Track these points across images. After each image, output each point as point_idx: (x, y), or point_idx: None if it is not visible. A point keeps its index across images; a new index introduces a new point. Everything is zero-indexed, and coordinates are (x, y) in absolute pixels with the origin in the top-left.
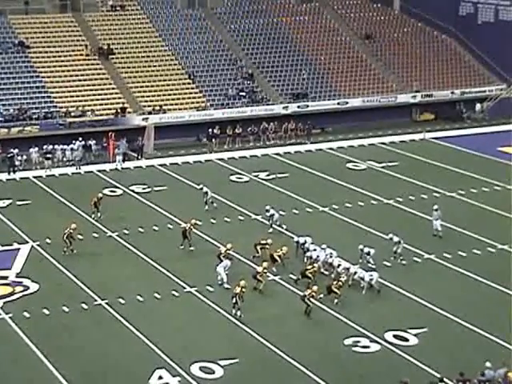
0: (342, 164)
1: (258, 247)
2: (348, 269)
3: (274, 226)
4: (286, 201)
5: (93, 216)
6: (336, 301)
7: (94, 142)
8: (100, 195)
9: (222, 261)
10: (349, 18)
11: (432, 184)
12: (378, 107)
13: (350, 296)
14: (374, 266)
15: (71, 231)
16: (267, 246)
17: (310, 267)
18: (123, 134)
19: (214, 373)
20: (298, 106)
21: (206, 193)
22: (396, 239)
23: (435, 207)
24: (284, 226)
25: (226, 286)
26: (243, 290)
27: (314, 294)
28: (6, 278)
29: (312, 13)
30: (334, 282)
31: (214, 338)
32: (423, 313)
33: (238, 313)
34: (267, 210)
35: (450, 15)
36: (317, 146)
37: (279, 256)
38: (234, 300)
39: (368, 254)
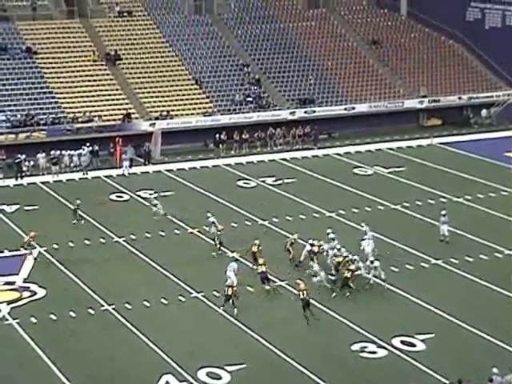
0: (349, 169)
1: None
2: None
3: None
4: (292, 206)
5: (74, 222)
6: (348, 294)
7: (99, 147)
8: (78, 202)
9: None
10: (356, 23)
11: (439, 189)
12: (385, 112)
13: (357, 301)
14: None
15: (31, 239)
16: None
17: (348, 275)
18: (130, 139)
19: (220, 378)
20: (305, 112)
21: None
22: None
23: (443, 212)
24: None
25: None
26: (235, 289)
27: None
28: (13, 283)
29: (319, 18)
30: (350, 275)
31: (221, 343)
32: (430, 318)
33: (235, 311)
34: (208, 217)
35: (458, 20)
36: (324, 151)
37: (254, 252)
38: (229, 302)
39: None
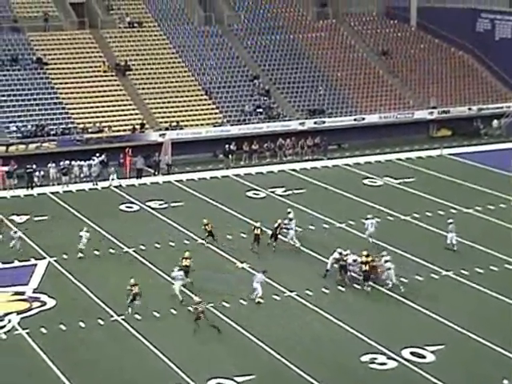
0: (359, 180)
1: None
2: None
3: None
4: (302, 217)
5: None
6: (369, 289)
7: (109, 158)
8: (0, 217)
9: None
10: (365, 34)
11: (449, 200)
12: (395, 123)
13: (367, 312)
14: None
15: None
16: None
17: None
18: (140, 149)
19: None
20: (315, 122)
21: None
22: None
23: (449, 220)
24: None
25: (258, 300)
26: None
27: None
28: (23, 293)
29: (329, 29)
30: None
31: (230, 353)
32: (440, 329)
33: (130, 310)
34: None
35: (467, 31)
36: (333, 161)
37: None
38: (129, 299)
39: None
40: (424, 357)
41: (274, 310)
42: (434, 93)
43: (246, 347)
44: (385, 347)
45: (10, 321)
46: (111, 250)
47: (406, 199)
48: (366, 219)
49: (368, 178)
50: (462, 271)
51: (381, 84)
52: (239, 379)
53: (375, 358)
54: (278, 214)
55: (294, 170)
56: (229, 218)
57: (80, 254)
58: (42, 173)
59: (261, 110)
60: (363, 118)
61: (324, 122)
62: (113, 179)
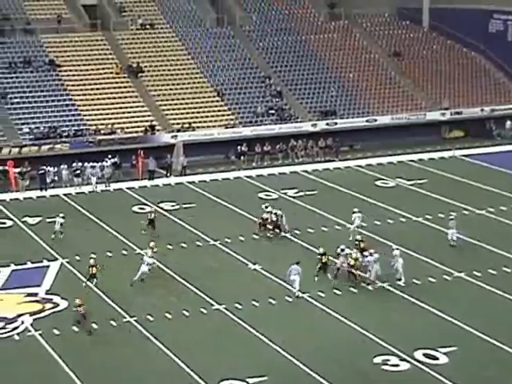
0: (371, 181)
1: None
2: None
3: None
4: (314, 218)
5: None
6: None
7: (121, 159)
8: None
9: None
10: (377, 35)
11: (461, 201)
12: (407, 124)
13: (380, 314)
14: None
15: None
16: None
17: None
18: (152, 151)
19: None
20: (327, 124)
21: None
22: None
23: (451, 217)
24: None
25: (298, 294)
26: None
27: None
28: (35, 294)
29: (341, 30)
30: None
31: (243, 355)
32: (453, 331)
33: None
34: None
35: (480, 32)
36: (345, 163)
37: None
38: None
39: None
40: (437, 358)
41: (287, 312)
42: (446, 94)
43: (259, 348)
44: (397, 349)
45: (22, 322)
46: (124, 252)
47: (418, 200)
48: (353, 213)
49: (380, 179)
50: (475, 272)
51: (393, 85)
52: (252, 380)
53: (388, 360)
54: (290, 215)
55: (306, 171)
56: (241, 220)
57: (52, 236)
58: (54, 174)
59: (273, 111)
60: (375, 120)
61: (336, 124)
62: (93, 183)
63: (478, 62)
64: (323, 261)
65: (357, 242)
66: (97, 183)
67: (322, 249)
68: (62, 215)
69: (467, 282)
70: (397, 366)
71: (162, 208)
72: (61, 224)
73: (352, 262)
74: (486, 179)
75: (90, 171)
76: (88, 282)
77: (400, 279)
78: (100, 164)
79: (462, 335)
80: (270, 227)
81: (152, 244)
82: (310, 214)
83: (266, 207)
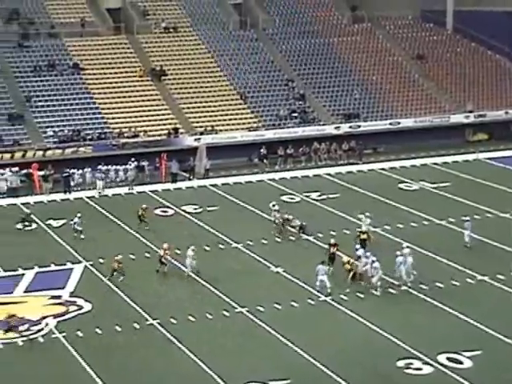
0: (394, 184)
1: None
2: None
3: None
4: (337, 221)
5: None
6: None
7: (148, 162)
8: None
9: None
10: (401, 37)
11: (485, 204)
12: (431, 127)
13: (403, 317)
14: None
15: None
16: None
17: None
18: (175, 154)
19: None
20: (350, 127)
21: None
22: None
23: (466, 218)
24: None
25: (329, 291)
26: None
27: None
28: (59, 297)
29: (364, 33)
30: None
31: (265, 358)
32: (477, 335)
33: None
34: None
35: (504, 35)
36: (369, 166)
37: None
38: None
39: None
40: (461, 362)
41: (309, 314)
42: (470, 97)
43: (281, 351)
44: (420, 352)
45: (47, 324)
46: (146, 254)
47: (442, 203)
48: (362, 215)
49: (403, 182)
50: (498, 276)
51: (416, 88)
52: (274, 383)
53: (411, 363)
54: (313, 218)
55: (329, 174)
56: (264, 222)
57: (74, 234)
58: (78, 177)
59: (296, 114)
60: (398, 122)
61: (359, 127)
62: (100, 187)
63: (502, 64)
64: (332, 251)
65: (358, 233)
66: (104, 188)
67: (333, 240)
68: (78, 215)
69: (491, 286)
70: (420, 369)
71: (184, 211)
72: (76, 223)
73: (348, 267)
74: (510, 182)
75: (98, 175)
76: (113, 277)
77: (400, 285)
78: (123, 167)
79: (486, 339)
80: (293, 227)
81: (166, 246)
82: (332, 216)
83: (274, 205)
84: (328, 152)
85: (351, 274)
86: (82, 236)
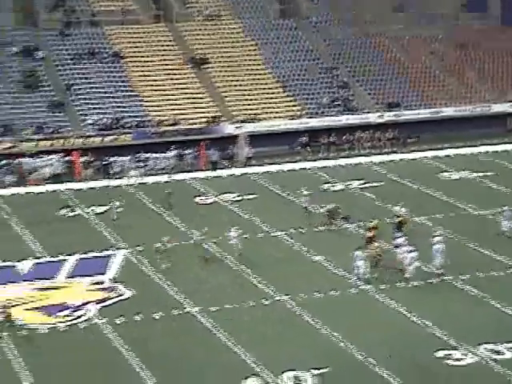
0: (436, 173)
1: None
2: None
3: None
4: (379, 209)
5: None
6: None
7: (189, 150)
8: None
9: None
10: (444, 26)
11: None
12: (471, 117)
13: (443, 307)
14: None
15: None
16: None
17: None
18: (215, 142)
19: (305, 382)
20: (394, 115)
21: None
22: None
23: (504, 208)
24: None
25: (367, 276)
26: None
27: None
28: (101, 283)
29: (407, 22)
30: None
31: (305, 346)
32: None
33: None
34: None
35: None
36: (411, 155)
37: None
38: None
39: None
40: (502, 353)
41: (349, 303)
42: (511, 86)
43: (320, 340)
44: (460, 343)
45: (88, 310)
46: (184, 243)
47: (484, 193)
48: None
49: (445, 171)
50: None
51: (458, 77)
52: (315, 371)
53: (450, 354)
54: (355, 206)
55: (371, 162)
56: (301, 211)
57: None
58: (118, 165)
59: (339, 102)
60: (440, 112)
61: (402, 115)
62: (131, 176)
63: None
64: (368, 235)
65: (397, 219)
66: (135, 176)
67: (374, 222)
68: (117, 203)
69: None
70: (459, 360)
71: (223, 199)
72: (115, 210)
73: (374, 253)
74: None
75: (128, 165)
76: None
77: (439, 274)
78: (163, 155)
79: None
80: (338, 218)
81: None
82: (374, 205)
83: (303, 192)
84: (371, 140)
85: (375, 260)
86: (120, 222)
